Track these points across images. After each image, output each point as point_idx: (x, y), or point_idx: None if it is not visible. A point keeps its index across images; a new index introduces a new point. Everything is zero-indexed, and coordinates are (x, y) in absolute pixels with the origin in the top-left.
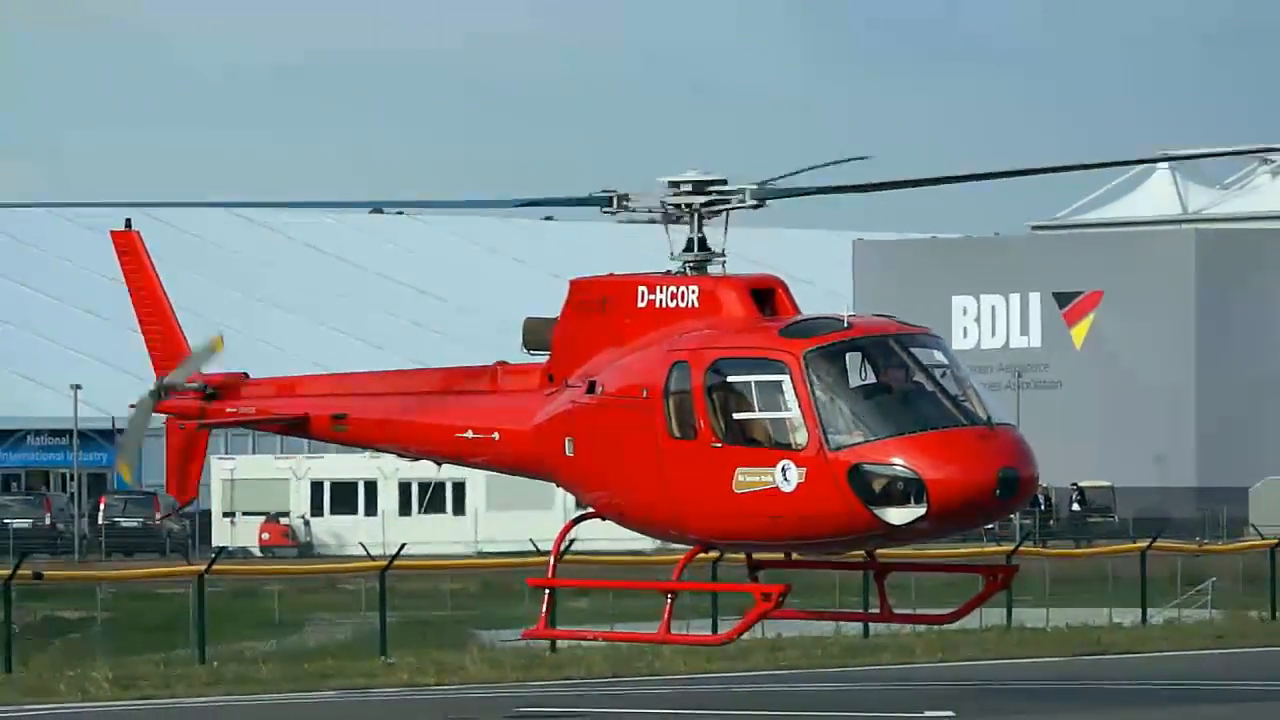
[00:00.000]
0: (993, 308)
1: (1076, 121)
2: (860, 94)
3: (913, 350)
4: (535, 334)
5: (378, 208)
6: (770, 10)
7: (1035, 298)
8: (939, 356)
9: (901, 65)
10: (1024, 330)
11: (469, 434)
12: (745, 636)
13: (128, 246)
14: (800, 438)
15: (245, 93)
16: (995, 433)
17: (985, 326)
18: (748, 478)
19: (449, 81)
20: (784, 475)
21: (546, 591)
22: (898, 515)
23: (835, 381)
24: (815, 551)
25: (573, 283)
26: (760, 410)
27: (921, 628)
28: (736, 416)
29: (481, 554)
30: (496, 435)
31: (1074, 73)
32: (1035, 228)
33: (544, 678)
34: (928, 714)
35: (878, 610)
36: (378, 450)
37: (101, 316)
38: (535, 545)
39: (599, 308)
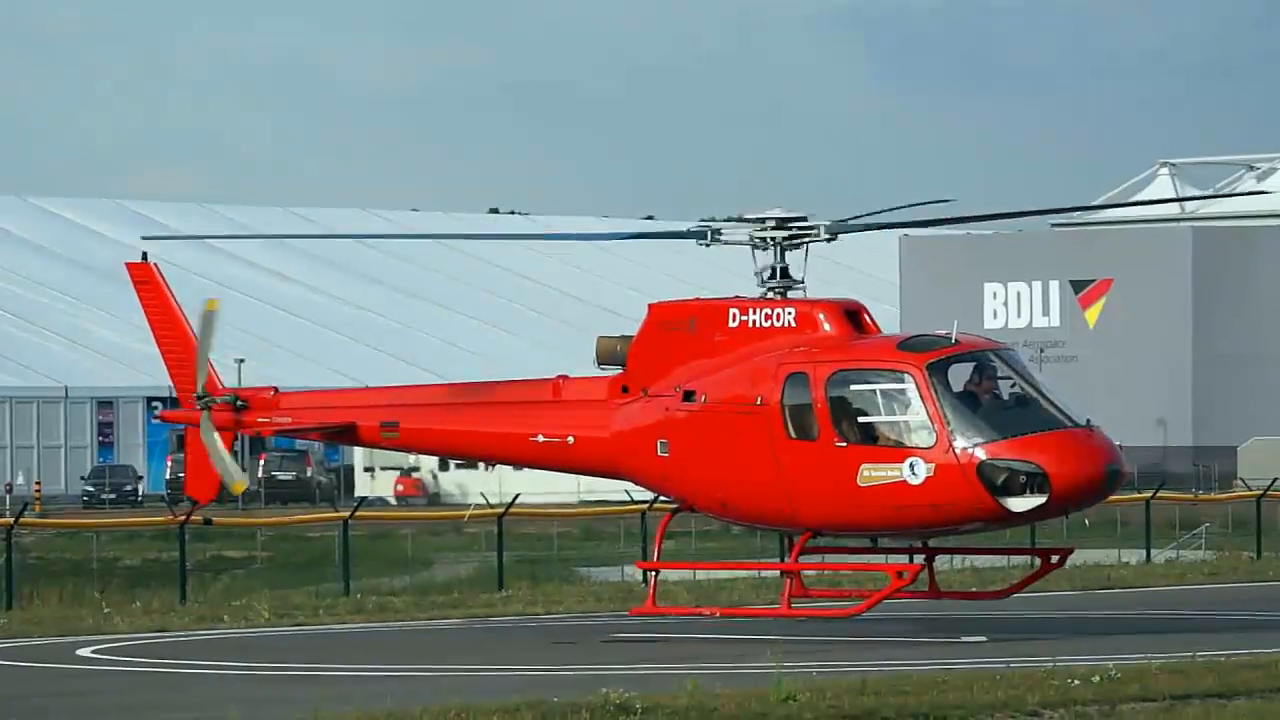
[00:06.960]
0: (1018, 294)
1: (1091, 135)
2: (904, 116)
3: (1009, 362)
4: (607, 351)
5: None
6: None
7: (1055, 285)
8: (1025, 366)
9: (942, 90)
10: (1045, 312)
11: (540, 438)
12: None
13: (145, 277)
14: (927, 438)
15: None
16: (1093, 433)
17: (1012, 309)
18: (873, 473)
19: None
20: (912, 470)
21: (653, 574)
22: (1021, 504)
23: (956, 389)
24: (933, 535)
25: (653, 306)
26: (885, 414)
27: (960, 566)
28: (861, 420)
29: (583, 503)
30: (571, 439)
31: (1088, 92)
32: (1054, 225)
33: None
34: (964, 639)
35: (930, 589)
36: (429, 455)
37: (259, 300)
38: (629, 495)
39: (685, 327)
